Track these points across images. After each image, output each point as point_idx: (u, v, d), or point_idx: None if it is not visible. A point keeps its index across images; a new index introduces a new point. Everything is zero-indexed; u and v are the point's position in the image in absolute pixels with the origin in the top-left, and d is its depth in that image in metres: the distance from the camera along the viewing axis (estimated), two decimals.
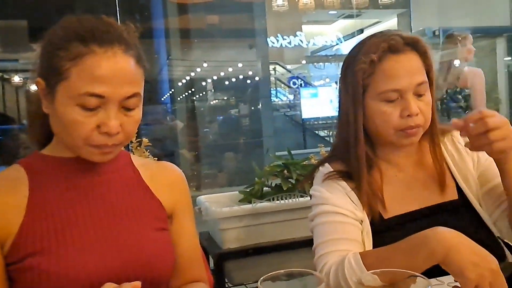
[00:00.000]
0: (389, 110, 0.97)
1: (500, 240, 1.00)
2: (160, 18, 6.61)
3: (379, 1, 7.11)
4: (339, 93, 1.07)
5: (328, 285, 0.89)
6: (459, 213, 1.03)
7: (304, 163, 2.10)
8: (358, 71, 0.98)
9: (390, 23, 9.70)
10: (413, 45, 0.99)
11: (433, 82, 1.02)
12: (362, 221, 0.99)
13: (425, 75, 1.00)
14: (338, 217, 0.98)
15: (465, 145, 0.94)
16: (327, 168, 1.06)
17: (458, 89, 3.43)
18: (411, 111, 0.95)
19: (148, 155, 1.83)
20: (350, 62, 1.02)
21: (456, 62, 3.51)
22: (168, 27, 6.44)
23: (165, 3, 6.34)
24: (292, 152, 2.25)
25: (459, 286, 0.73)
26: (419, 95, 0.98)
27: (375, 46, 0.97)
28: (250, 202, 1.93)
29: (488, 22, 8.12)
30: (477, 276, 0.71)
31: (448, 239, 0.77)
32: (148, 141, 1.85)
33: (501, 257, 0.96)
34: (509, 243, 0.97)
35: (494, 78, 8.61)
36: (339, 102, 1.07)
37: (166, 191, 0.95)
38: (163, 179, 0.97)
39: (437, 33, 7.26)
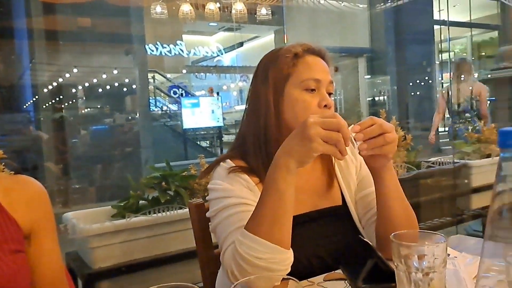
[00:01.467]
0: (309, 99, 1.02)
1: (365, 241, 1.07)
2: (22, 17, 5.91)
3: (256, 17, 7.45)
4: (255, 88, 1.10)
5: (235, 277, 0.86)
6: (341, 218, 1.08)
7: (184, 174, 2.05)
8: (283, 61, 1.05)
9: (267, 38, 10.19)
10: (323, 55, 1.09)
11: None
12: None
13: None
14: (244, 207, 0.96)
15: (359, 147, 0.99)
16: (229, 163, 1.05)
17: (473, 96, 4.02)
18: (327, 101, 1.02)
19: (4, 168, 1.61)
20: (273, 57, 1.09)
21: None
22: (31, 27, 5.78)
23: (28, 0, 5.71)
24: (173, 163, 2.19)
25: None
26: (328, 93, 1.05)
27: (297, 45, 1.07)
28: (124, 217, 1.80)
29: (351, 43, 9.07)
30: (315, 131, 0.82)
31: (280, 153, 0.88)
32: (3, 153, 1.63)
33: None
34: (369, 242, 1.04)
35: (356, 93, 9.62)
36: (256, 97, 1.09)
37: (23, 208, 0.84)
38: (20, 195, 0.85)
39: None
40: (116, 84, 6.50)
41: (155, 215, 1.81)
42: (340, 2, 6.54)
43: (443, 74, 11.56)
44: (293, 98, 1.04)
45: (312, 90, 1.04)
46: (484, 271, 0.57)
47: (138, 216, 1.79)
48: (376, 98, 9.77)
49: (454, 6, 9.21)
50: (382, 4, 7.82)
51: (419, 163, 2.45)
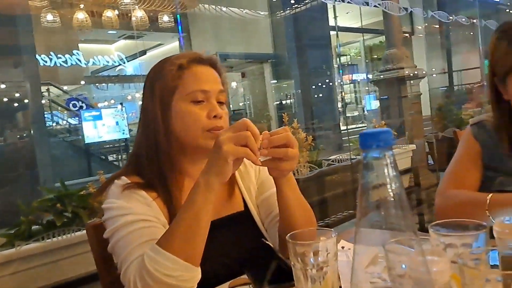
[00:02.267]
0: (197, 111, 1.01)
1: (267, 244, 1.08)
2: None
3: (159, 24, 7.30)
4: (144, 102, 1.07)
5: None
6: (244, 224, 1.09)
7: (82, 193, 1.91)
8: (168, 74, 1.02)
9: (172, 45, 10.05)
10: (213, 63, 1.08)
11: (227, 97, 1.10)
12: (166, 226, 0.96)
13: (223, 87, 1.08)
14: (143, 223, 0.93)
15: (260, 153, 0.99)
16: (123, 180, 1.00)
17: None
18: (217, 111, 1.01)
19: None
20: (158, 69, 1.06)
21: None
22: None
23: None
24: (76, 181, 2.03)
25: None
26: (219, 103, 1.04)
27: (182, 56, 1.05)
28: (14, 246, 1.63)
29: (256, 49, 9.31)
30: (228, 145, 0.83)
31: (200, 174, 0.88)
32: None
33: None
34: (270, 244, 1.05)
35: (264, 98, 9.90)
36: (144, 111, 1.06)
37: None
38: None
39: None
40: (5, 100, 5.88)
41: (49, 240, 1.66)
42: (242, 10, 6.67)
43: (342, 76, 12.41)
44: (181, 111, 1.02)
45: (200, 101, 1.02)
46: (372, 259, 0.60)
47: (30, 244, 1.63)
48: (284, 102, 10.14)
49: (347, 13, 9.92)
50: (281, 11, 8.13)
51: (321, 162, 2.57)
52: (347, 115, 11.79)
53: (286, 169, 0.92)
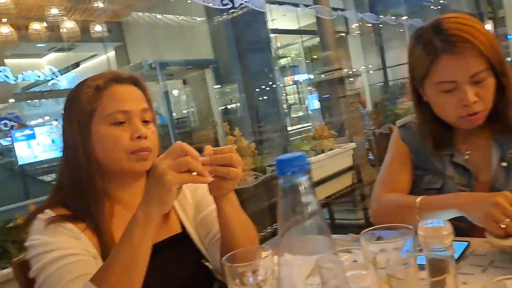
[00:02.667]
0: (118, 133, 0.96)
1: (205, 265, 1.05)
2: None
3: (91, 35, 7.02)
4: (63, 128, 1.02)
5: None
6: (182, 245, 1.05)
7: (10, 225, 1.77)
8: (84, 97, 0.98)
9: (107, 56, 9.71)
10: (134, 81, 1.04)
11: (154, 114, 1.06)
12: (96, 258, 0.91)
13: (148, 105, 1.03)
14: (72, 258, 0.87)
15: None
16: (47, 214, 0.94)
17: None
18: (140, 132, 0.97)
19: None
20: (74, 93, 1.02)
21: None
22: None
23: None
24: (11, 206, 1.88)
25: None
26: (145, 121, 1.00)
27: (99, 77, 1.00)
28: None
29: (196, 56, 9.22)
30: None
31: (139, 206, 0.84)
32: None
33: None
34: (209, 266, 1.03)
35: (209, 104, 9.82)
36: (64, 137, 1.01)
37: None
38: None
39: (153, 65, 7.74)
40: None
41: None
42: (178, 16, 6.58)
43: (285, 78, 12.60)
44: (101, 135, 0.97)
45: (122, 122, 0.98)
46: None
47: None
48: (229, 106, 10.11)
49: (284, 15, 10.10)
50: (218, 17, 8.12)
51: (265, 168, 2.57)
52: (292, 115, 11.99)
53: (228, 189, 0.90)
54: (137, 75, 1.08)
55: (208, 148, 0.87)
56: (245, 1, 3.39)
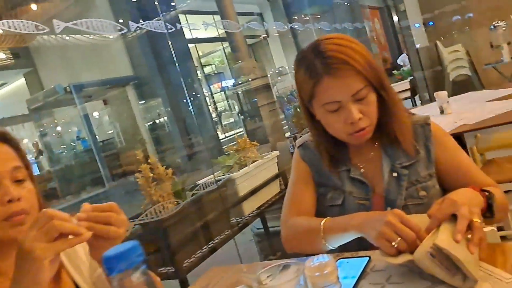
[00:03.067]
0: None
1: None
2: None
3: None
4: None
5: None
6: None
7: None
8: None
9: (17, 83, 9.07)
10: (2, 138, 0.95)
11: (31, 171, 0.97)
12: None
13: (20, 161, 0.95)
14: None
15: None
16: None
17: None
18: (11, 195, 0.88)
19: None
20: None
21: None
22: None
23: None
24: None
25: None
26: (18, 181, 0.92)
27: None
28: None
29: (115, 74, 8.86)
30: None
31: None
32: None
33: None
34: None
35: (134, 122, 9.48)
36: None
37: None
38: None
39: (68, 89, 7.34)
40: None
41: None
42: (88, 36, 6.26)
43: (212, 85, 12.53)
44: None
45: None
46: None
47: None
48: (157, 121, 9.84)
49: (202, 23, 10.02)
50: (132, 32, 7.87)
51: (185, 194, 2.49)
52: (224, 122, 11.95)
53: (107, 248, 0.84)
54: (5, 131, 0.97)
55: (86, 205, 0.81)
56: (141, 24, 3.29)
